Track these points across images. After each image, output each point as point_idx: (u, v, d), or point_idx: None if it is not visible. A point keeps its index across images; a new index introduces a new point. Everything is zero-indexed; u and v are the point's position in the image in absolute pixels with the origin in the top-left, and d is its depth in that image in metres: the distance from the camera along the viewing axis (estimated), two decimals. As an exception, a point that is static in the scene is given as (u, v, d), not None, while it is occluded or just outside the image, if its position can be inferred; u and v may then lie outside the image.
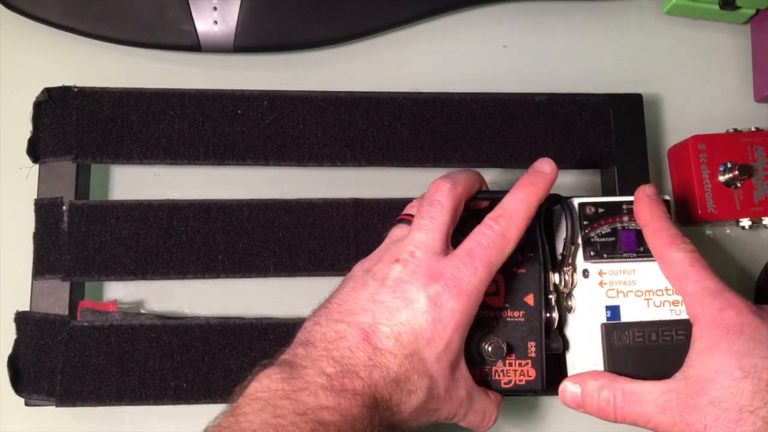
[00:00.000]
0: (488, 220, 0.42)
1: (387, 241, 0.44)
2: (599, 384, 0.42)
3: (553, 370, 0.46)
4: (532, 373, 0.45)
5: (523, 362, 0.45)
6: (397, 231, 0.44)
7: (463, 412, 0.42)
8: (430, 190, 0.43)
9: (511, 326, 0.45)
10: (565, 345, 0.47)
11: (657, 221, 0.43)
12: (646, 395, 0.40)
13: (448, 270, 0.40)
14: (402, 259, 0.40)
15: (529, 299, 0.45)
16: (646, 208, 0.44)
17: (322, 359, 0.37)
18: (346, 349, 0.38)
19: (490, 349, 0.43)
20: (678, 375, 0.40)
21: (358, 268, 0.43)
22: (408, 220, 0.44)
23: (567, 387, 0.43)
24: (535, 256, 0.46)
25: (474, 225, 0.42)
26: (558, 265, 0.46)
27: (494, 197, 0.45)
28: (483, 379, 0.44)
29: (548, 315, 0.46)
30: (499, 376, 0.44)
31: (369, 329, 0.39)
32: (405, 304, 0.39)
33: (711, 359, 0.38)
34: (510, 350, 0.44)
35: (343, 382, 0.37)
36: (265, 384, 0.36)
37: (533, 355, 0.45)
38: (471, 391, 0.42)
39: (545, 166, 0.44)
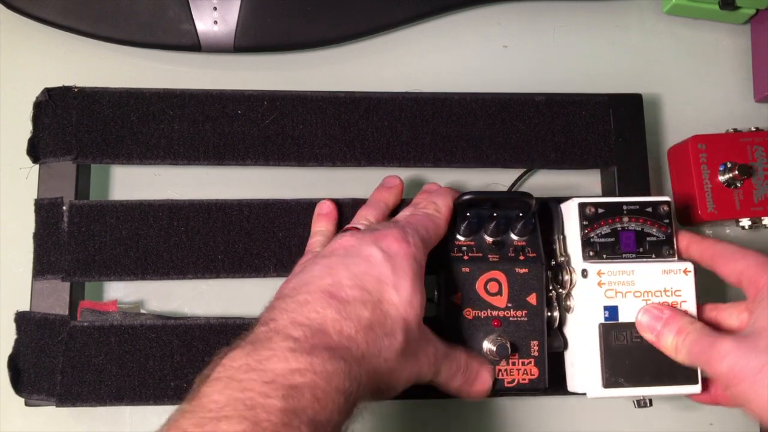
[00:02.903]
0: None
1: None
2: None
3: (554, 369, 0.46)
4: (535, 372, 0.45)
5: (526, 361, 0.45)
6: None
7: (446, 366, 0.42)
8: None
9: (514, 326, 0.45)
10: (565, 344, 0.47)
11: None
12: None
13: (392, 231, 0.42)
14: (350, 229, 0.42)
15: (532, 299, 0.45)
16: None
17: (288, 327, 0.36)
18: (312, 311, 0.37)
19: (495, 349, 0.44)
20: (745, 329, 0.42)
21: (305, 259, 0.44)
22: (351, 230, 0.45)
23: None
24: (537, 256, 0.46)
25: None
26: (553, 258, 0.47)
27: (494, 197, 0.45)
28: None
29: (549, 314, 0.46)
30: (502, 375, 0.45)
31: (331, 288, 0.38)
32: (361, 259, 0.40)
33: None
34: (514, 349, 0.44)
35: (312, 342, 0.35)
36: (226, 365, 0.34)
37: (536, 354, 0.45)
38: (444, 346, 0.43)
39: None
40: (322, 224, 0.49)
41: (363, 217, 0.47)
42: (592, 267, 0.45)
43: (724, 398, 0.45)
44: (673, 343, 0.42)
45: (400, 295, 0.39)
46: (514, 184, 0.55)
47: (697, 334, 0.42)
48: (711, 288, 0.55)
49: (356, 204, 0.51)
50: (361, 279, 0.39)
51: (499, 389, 0.45)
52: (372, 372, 0.37)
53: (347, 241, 0.41)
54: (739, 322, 0.44)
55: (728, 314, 0.45)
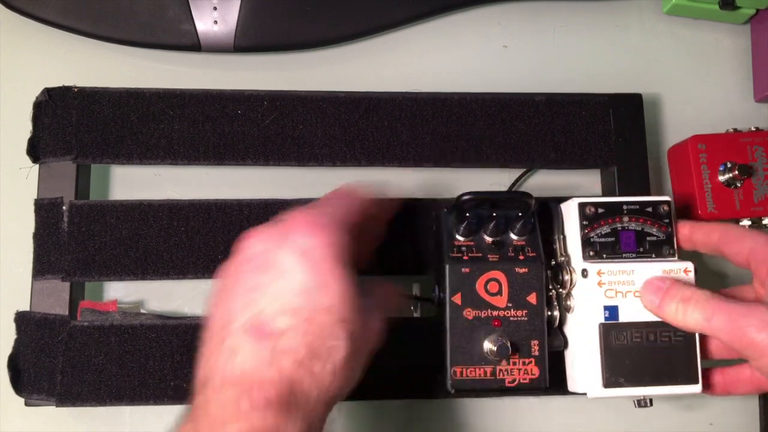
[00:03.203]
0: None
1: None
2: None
3: (554, 369, 0.46)
4: (536, 371, 0.45)
5: (527, 361, 0.45)
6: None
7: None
8: None
9: (514, 325, 0.45)
10: (565, 343, 0.47)
11: None
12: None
13: (296, 218, 0.37)
14: (248, 234, 0.37)
15: (532, 298, 0.45)
16: None
17: (223, 389, 0.33)
18: (243, 362, 0.34)
19: (495, 349, 0.44)
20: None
21: (214, 294, 0.38)
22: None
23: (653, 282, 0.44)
24: (537, 256, 0.46)
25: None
26: (553, 258, 0.47)
27: (493, 197, 0.45)
28: (487, 379, 0.44)
29: (549, 313, 0.46)
30: (503, 375, 0.45)
31: (255, 322, 0.34)
32: (276, 272, 0.35)
33: None
34: (514, 349, 0.44)
35: (250, 400, 0.32)
36: None
37: (536, 353, 0.45)
38: (377, 300, 0.40)
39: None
40: None
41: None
42: (592, 267, 0.45)
43: (734, 385, 0.45)
44: (677, 309, 0.41)
45: (330, 295, 0.35)
46: (514, 184, 0.55)
47: (716, 301, 0.40)
48: (711, 288, 0.55)
49: (356, 204, 0.51)
50: (283, 300, 0.35)
51: (499, 389, 0.45)
52: (325, 391, 0.35)
53: (253, 248, 0.37)
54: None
55: (738, 297, 0.45)
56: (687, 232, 0.47)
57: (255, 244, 0.37)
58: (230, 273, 0.37)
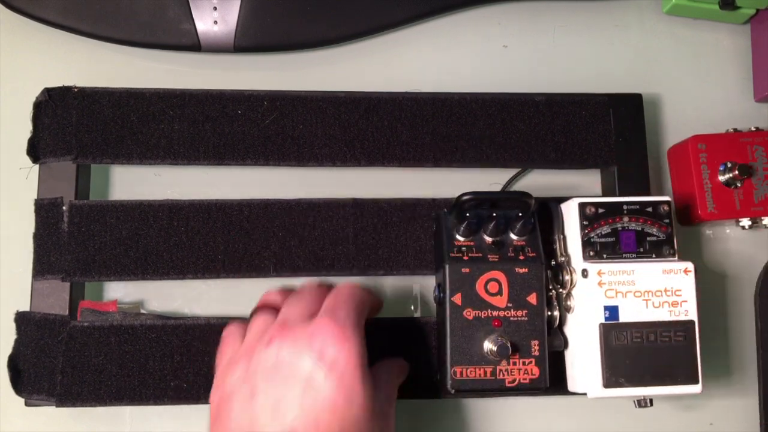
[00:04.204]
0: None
1: (248, 336, 0.41)
2: None
3: (554, 368, 0.46)
4: (536, 371, 0.45)
5: (527, 361, 0.45)
6: (259, 320, 0.42)
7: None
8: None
9: (514, 326, 0.45)
10: (565, 343, 0.47)
11: None
12: None
13: (323, 325, 0.38)
14: (274, 334, 0.38)
15: (532, 298, 0.45)
16: None
17: None
18: None
19: (495, 349, 0.44)
20: None
21: (229, 383, 0.38)
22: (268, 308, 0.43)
23: None
24: (537, 256, 0.46)
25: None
26: (553, 258, 0.47)
27: (493, 197, 0.45)
28: (487, 379, 0.44)
29: (550, 313, 0.46)
30: (503, 375, 0.45)
31: None
32: (304, 386, 0.36)
33: None
34: (514, 349, 0.44)
35: None
36: None
37: (537, 353, 0.45)
38: (388, 384, 0.43)
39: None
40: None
41: (296, 299, 0.43)
42: (593, 267, 0.45)
43: None
44: None
45: (356, 409, 0.36)
46: (507, 184, 0.55)
47: None
48: (711, 288, 0.55)
49: (356, 204, 0.51)
50: (313, 415, 0.35)
51: (499, 389, 0.45)
52: None
53: (281, 353, 0.37)
54: None
55: None
56: None
57: (282, 349, 0.37)
58: (253, 374, 0.37)
